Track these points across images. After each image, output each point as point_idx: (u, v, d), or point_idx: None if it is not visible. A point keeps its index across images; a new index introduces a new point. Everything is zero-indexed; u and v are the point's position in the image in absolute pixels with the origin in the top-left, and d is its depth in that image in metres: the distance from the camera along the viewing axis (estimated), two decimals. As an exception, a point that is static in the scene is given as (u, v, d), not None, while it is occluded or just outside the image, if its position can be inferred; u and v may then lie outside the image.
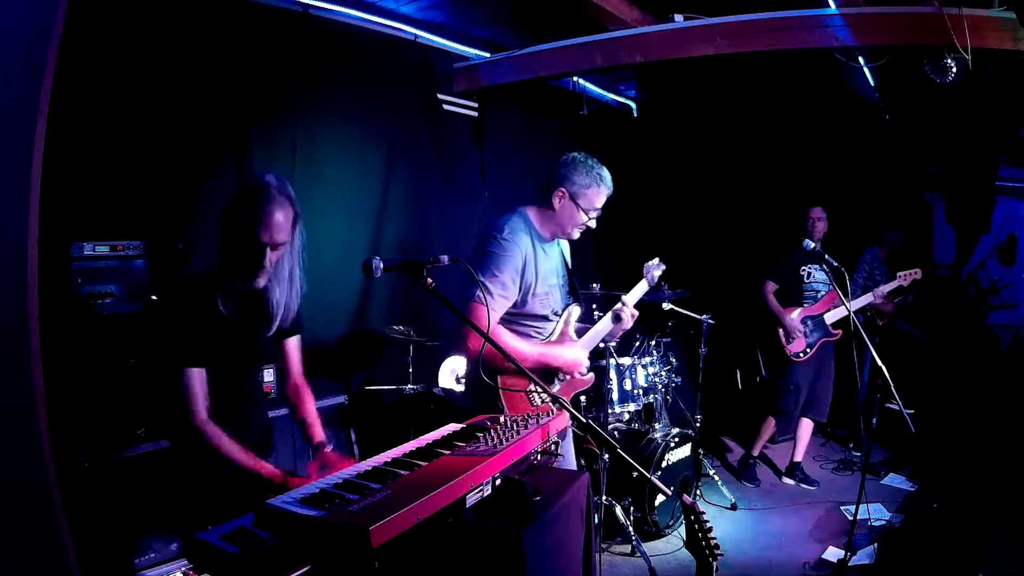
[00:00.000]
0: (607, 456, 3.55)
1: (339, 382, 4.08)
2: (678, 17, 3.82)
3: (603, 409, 3.78)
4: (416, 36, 4.33)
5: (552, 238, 2.69)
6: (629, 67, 4.25)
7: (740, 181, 6.26)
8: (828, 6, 3.41)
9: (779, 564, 3.60)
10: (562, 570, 1.88)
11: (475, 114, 4.95)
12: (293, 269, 2.14)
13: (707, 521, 1.51)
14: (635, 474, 3.45)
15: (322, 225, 3.74)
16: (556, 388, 2.67)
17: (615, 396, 3.79)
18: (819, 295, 4.71)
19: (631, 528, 3.64)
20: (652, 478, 1.75)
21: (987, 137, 4.98)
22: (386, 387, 4.13)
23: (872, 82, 4.70)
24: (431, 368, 4.26)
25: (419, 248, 4.42)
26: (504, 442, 1.66)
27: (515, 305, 2.53)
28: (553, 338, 2.69)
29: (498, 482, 1.60)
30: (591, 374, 2.79)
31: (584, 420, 1.69)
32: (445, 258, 1.92)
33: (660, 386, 4.10)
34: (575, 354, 2.64)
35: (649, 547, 3.68)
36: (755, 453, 4.90)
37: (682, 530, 2.77)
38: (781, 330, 4.69)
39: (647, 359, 3.99)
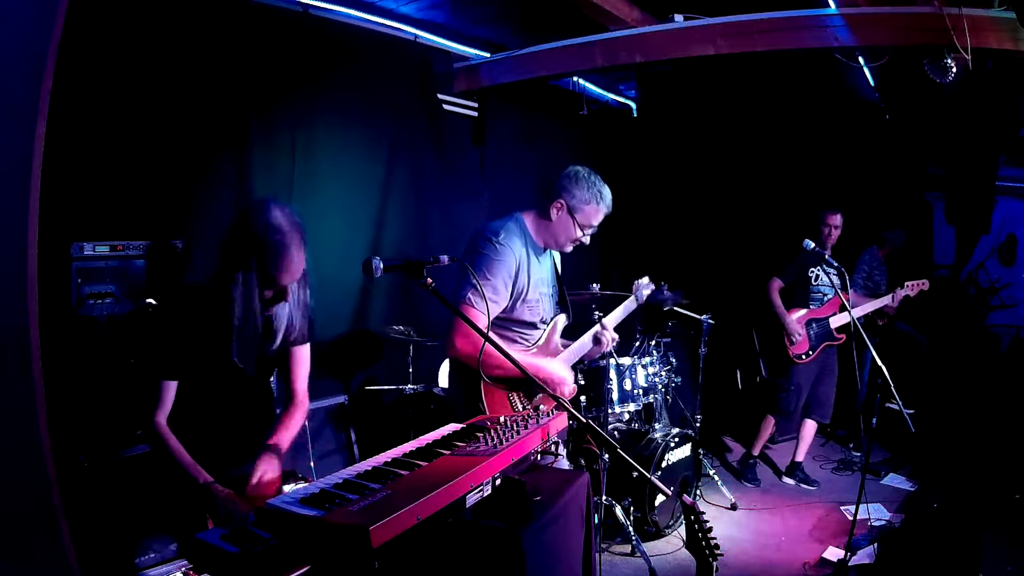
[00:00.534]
0: (607, 456, 3.54)
1: (339, 382, 4.08)
2: (678, 17, 3.81)
3: (603, 409, 3.78)
4: (416, 36, 4.33)
5: (545, 248, 2.68)
6: (629, 67, 4.25)
7: (739, 181, 6.25)
8: (828, 6, 3.41)
9: (779, 564, 3.60)
10: (562, 570, 1.88)
11: (475, 114, 4.95)
12: (299, 286, 2.09)
13: (707, 521, 1.51)
14: (635, 474, 3.47)
15: (322, 225, 3.75)
16: (538, 398, 2.61)
17: (615, 396, 3.79)
18: (826, 298, 4.70)
19: (631, 528, 3.64)
20: (652, 478, 1.75)
21: (987, 137, 4.97)
22: (386, 387, 4.14)
23: (872, 82, 4.70)
24: (431, 368, 4.26)
25: (419, 248, 4.42)
26: (504, 442, 1.66)
27: (504, 310, 2.51)
28: (539, 345, 2.68)
29: (498, 482, 1.60)
30: (574, 386, 2.69)
31: (584, 420, 1.69)
32: (445, 258, 1.92)
33: (660, 386, 4.10)
34: (563, 373, 2.53)
35: (649, 547, 3.68)
36: (755, 453, 4.90)
37: (682, 530, 2.78)
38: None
39: (647, 359, 3.99)
